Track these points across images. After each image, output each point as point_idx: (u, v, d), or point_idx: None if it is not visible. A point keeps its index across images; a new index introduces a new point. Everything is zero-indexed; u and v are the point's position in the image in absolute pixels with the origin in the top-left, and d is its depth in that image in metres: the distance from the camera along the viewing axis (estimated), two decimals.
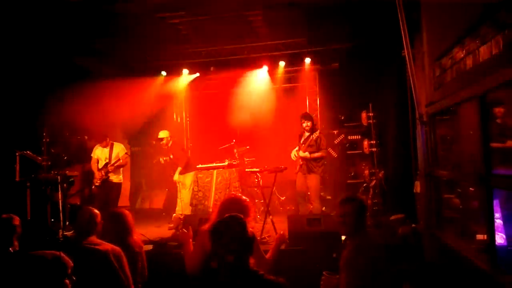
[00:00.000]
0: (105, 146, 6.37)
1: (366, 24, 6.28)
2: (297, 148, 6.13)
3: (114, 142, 6.48)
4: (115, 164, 6.22)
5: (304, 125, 6.03)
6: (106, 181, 6.25)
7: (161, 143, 6.52)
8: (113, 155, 6.30)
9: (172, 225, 6.16)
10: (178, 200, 6.42)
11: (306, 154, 5.79)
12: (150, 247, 5.02)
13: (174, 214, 6.38)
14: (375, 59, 6.83)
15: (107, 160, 6.25)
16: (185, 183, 6.34)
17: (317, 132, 5.90)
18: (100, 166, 6.27)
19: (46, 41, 6.34)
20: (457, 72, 3.41)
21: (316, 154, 5.85)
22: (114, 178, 6.32)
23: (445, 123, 4.49)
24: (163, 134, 6.63)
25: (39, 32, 6.07)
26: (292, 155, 6.16)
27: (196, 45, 7.90)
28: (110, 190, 6.30)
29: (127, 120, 9.50)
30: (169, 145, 6.55)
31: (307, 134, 6.03)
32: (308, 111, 8.86)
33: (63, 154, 6.96)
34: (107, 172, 6.22)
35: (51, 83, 7.09)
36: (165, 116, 8.75)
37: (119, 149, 6.38)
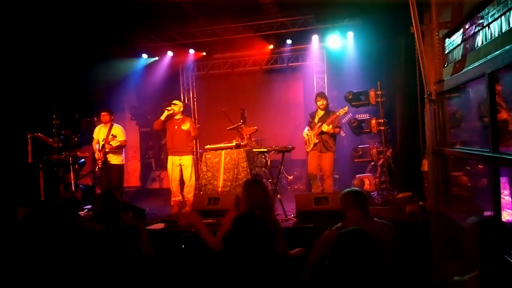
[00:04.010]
0: (106, 123, 6.32)
1: (374, 0, 6.16)
2: (308, 128, 6.20)
3: (115, 124, 6.39)
4: (111, 145, 6.16)
5: (319, 103, 6.12)
6: (105, 163, 6.22)
7: (172, 107, 6.24)
8: (110, 136, 6.23)
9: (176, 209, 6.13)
10: (176, 183, 6.26)
11: (330, 128, 5.84)
12: (162, 225, 5.13)
13: (173, 199, 6.28)
14: (383, 36, 6.73)
15: (104, 142, 6.22)
16: (186, 165, 6.26)
17: (346, 108, 5.98)
18: (100, 147, 6.27)
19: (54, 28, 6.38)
20: (467, 49, 3.37)
21: (337, 129, 5.99)
22: (112, 159, 6.25)
23: (454, 101, 4.46)
24: (177, 102, 6.39)
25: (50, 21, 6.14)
26: (304, 134, 6.20)
27: (202, 24, 7.82)
28: (110, 171, 6.25)
29: (135, 101, 9.60)
30: (180, 116, 6.31)
31: (321, 112, 6.09)
32: (315, 90, 8.84)
33: (73, 136, 7.04)
34: (104, 153, 6.19)
35: (62, 67, 7.14)
36: (172, 97, 8.76)
37: (117, 131, 6.29)
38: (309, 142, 6.13)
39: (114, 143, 6.19)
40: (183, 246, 3.98)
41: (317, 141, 5.99)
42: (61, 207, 3.14)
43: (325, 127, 5.87)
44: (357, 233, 1.74)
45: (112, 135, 6.20)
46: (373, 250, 1.64)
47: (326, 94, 8.67)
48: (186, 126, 6.22)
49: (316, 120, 6.13)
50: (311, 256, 2.80)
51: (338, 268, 1.64)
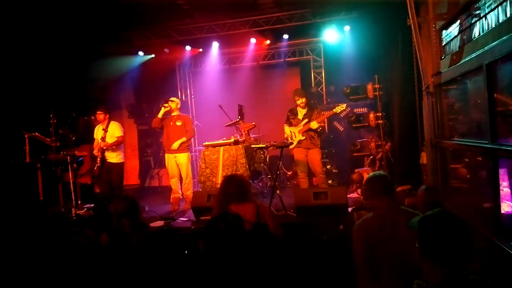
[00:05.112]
0: (101, 121, 6.25)
1: None
2: (286, 125, 6.06)
3: (112, 121, 6.33)
4: (107, 142, 6.10)
5: (298, 102, 5.92)
6: (104, 162, 6.17)
7: (169, 104, 6.12)
8: (108, 134, 6.17)
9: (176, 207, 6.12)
10: (175, 180, 6.25)
11: (318, 125, 5.69)
12: (161, 223, 5.13)
13: (173, 195, 6.26)
14: (380, 29, 6.71)
15: (101, 140, 6.16)
16: (181, 163, 6.22)
17: (344, 105, 5.76)
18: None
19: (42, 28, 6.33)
20: (464, 40, 3.36)
21: (322, 124, 5.91)
22: (110, 158, 6.20)
23: (452, 92, 4.45)
24: (174, 99, 6.34)
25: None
26: (287, 130, 6.01)
27: (198, 20, 7.77)
28: (110, 170, 6.20)
29: (132, 99, 9.57)
30: (176, 113, 6.28)
31: (303, 110, 5.93)
32: (313, 85, 8.83)
33: (71, 135, 7.02)
34: (102, 152, 6.13)
35: (59, 65, 7.09)
36: (169, 94, 8.74)
37: (113, 127, 6.23)
38: (292, 139, 5.93)
39: (110, 140, 6.15)
40: (186, 251, 3.96)
41: (303, 138, 5.81)
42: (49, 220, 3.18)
43: (314, 125, 5.67)
44: (443, 213, 1.77)
45: (103, 129, 6.13)
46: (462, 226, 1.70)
47: (324, 88, 8.75)
48: (180, 123, 6.17)
49: (300, 117, 5.93)
50: (357, 257, 2.52)
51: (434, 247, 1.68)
